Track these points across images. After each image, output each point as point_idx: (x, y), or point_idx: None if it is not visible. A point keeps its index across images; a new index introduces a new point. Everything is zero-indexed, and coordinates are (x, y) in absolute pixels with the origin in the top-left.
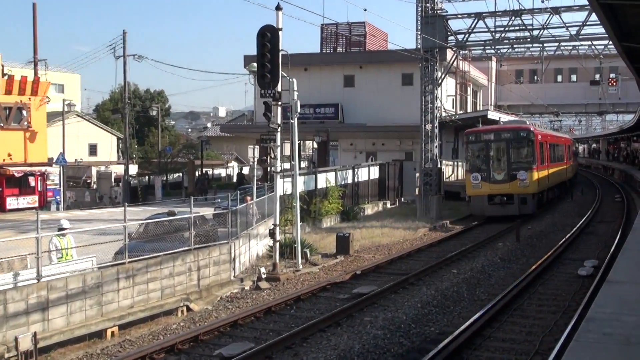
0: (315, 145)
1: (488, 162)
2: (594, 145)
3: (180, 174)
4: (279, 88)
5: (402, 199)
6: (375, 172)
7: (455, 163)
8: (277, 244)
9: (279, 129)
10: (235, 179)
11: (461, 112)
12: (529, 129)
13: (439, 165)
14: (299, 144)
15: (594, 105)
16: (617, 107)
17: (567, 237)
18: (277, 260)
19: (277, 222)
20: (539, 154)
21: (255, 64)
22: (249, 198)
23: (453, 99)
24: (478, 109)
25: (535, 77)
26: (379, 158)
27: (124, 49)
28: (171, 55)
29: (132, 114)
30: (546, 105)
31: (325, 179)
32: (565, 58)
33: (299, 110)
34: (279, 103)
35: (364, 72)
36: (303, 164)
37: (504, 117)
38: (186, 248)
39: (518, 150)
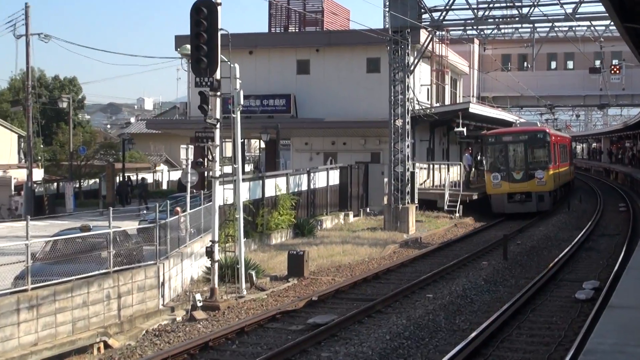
0: (263, 145)
1: (507, 163)
2: (594, 144)
3: (97, 180)
4: (217, 75)
5: (368, 210)
6: (335, 178)
7: (432, 166)
8: (216, 264)
9: (219, 125)
10: (166, 186)
11: (438, 104)
12: (545, 130)
13: (411, 169)
14: (243, 143)
15: (594, 97)
16: (620, 100)
17: (563, 254)
18: (216, 285)
19: (216, 239)
20: (553, 155)
21: (188, 46)
22: (178, 209)
23: (428, 89)
24: (458, 101)
25: (525, 64)
26: (339, 160)
27: (27, 26)
28: (86, 35)
29: (37, 106)
30: (538, 96)
31: (274, 186)
32: (560, 41)
33: (242, 102)
34: (218, 93)
35: (321, 56)
36: (248, 168)
37: (489, 111)
38: (104, 271)
39: (535, 150)
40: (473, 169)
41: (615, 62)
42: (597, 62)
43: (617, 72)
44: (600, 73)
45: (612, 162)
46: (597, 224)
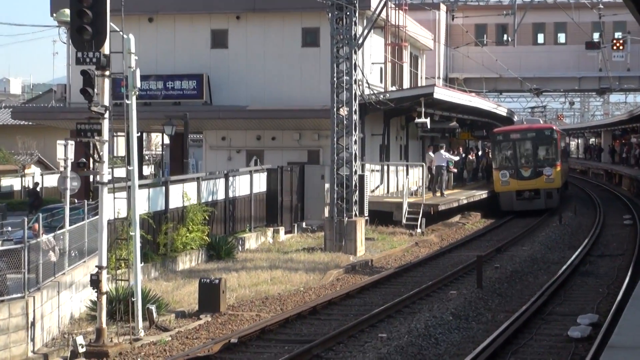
0: (167, 141)
1: (515, 160)
2: (591, 140)
3: None
4: (106, 49)
5: (304, 224)
6: (261, 183)
7: (386, 168)
8: (104, 297)
9: (108, 114)
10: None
11: (394, 88)
12: (552, 127)
13: (360, 171)
14: (140, 138)
15: (592, 80)
16: (625, 82)
17: (552, 280)
18: (104, 324)
19: (104, 263)
20: (560, 151)
21: (67, 11)
22: (36, 226)
23: (381, 69)
24: (420, 84)
25: (505, 37)
26: (267, 160)
27: None
28: None
29: None
30: (521, 78)
31: (182, 194)
32: (549, 8)
33: (139, 84)
34: (108, 73)
35: (243, 25)
36: (147, 170)
37: (459, 97)
38: None
39: (543, 147)
40: (445, 173)
41: (618, 35)
42: (596, 35)
43: (621, 47)
44: (599, 49)
45: (614, 162)
46: (596, 242)
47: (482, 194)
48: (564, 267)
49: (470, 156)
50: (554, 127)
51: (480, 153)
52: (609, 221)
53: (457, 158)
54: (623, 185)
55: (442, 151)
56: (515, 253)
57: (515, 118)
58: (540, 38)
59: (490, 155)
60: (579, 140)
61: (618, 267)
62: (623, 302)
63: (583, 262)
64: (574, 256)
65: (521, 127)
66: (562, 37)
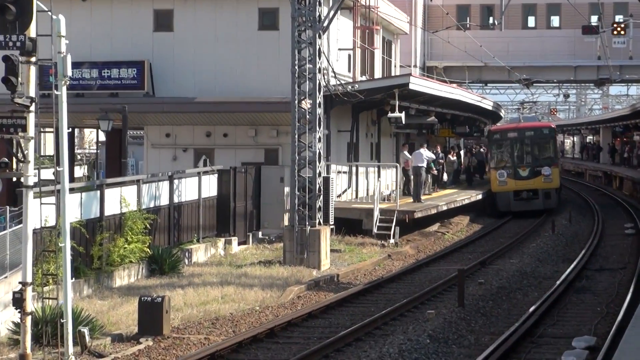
0: (103, 138)
1: (513, 159)
2: (589, 137)
3: None
4: (32, 32)
5: (261, 234)
6: (211, 187)
7: (355, 169)
8: (29, 318)
9: (34, 107)
10: None
11: (364, 78)
12: (550, 126)
13: (325, 173)
14: (72, 135)
15: (589, 69)
16: (626, 72)
17: (544, 297)
18: (29, 350)
19: (29, 279)
20: (558, 150)
21: None
22: None
23: (350, 56)
24: (394, 73)
25: (491, 20)
26: (218, 160)
27: None
28: None
29: None
30: (509, 67)
31: (120, 199)
32: None
33: (70, 72)
34: (34, 59)
35: (190, 5)
36: (80, 172)
37: (439, 89)
38: None
39: (541, 146)
40: (423, 175)
41: (619, 18)
42: (594, 19)
43: (622, 32)
44: (597, 34)
45: (614, 163)
46: (594, 254)
47: (465, 199)
48: (558, 282)
49: (450, 156)
50: (553, 126)
51: (462, 152)
52: (609, 230)
53: (438, 156)
54: (624, 189)
55: (422, 150)
56: (502, 267)
57: (503, 112)
58: (531, 21)
59: (475, 154)
60: (575, 138)
61: (619, 282)
62: (624, 323)
63: (579, 276)
64: (568, 270)
65: (519, 126)
66: (555, 21)
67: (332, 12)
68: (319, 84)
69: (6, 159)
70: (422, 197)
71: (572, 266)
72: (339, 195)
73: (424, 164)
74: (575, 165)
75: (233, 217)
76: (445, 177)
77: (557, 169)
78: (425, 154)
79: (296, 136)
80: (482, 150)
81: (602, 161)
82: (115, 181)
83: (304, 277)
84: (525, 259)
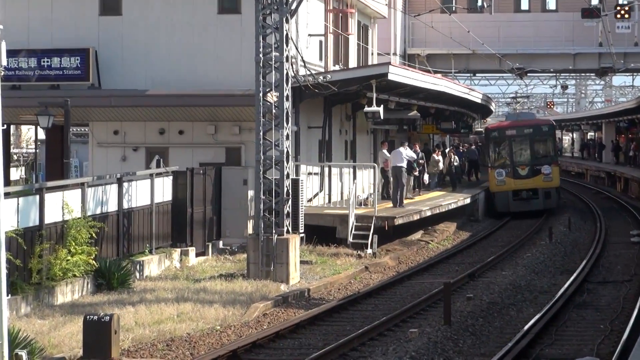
0: (42, 135)
1: (512, 158)
2: (590, 133)
3: None
4: None
5: (222, 244)
6: (165, 191)
7: (328, 170)
8: None
9: None
10: None
11: (337, 67)
12: (550, 122)
13: (294, 175)
14: (7, 132)
15: (590, 57)
16: (631, 60)
17: (541, 314)
18: None
19: None
20: (557, 148)
21: None
22: None
23: (321, 43)
24: (371, 62)
25: (480, 1)
26: (173, 161)
27: None
28: None
29: None
30: (500, 55)
31: (62, 205)
32: None
33: (4, 61)
34: None
35: None
36: (16, 174)
37: (422, 79)
38: None
39: (541, 144)
40: (404, 176)
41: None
42: (595, 1)
43: (626, 16)
44: (599, 18)
45: (619, 162)
46: (596, 264)
47: (451, 203)
48: (556, 297)
49: (435, 155)
50: (552, 122)
51: (447, 151)
52: (613, 238)
53: (418, 155)
54: (630, 192)
55: (402, 148)
56: (494, 279)
57: (493, 106)
58: (524, 4)
59: (466, 152)
60: (574, 135)
61: (624, 296)
62: (630, 342)
63: (579, 290)
64: (567, 283)
65: (517, 123)
66: (551, 3)
67: None
68: (287, 74)
69: None
70: (404, 201)
71: (571, 278)
72: (310, 200)
73: (404, 164)
74: (575, 165)
75: (190, 225)
76: (426, 178)
77: (557, 168)
78: (406, 152)
79: (261, 133)
80: (474, 147)
81: (605, 160)
82: (56, 184)
83: (270, 292)
84: (519, 271)
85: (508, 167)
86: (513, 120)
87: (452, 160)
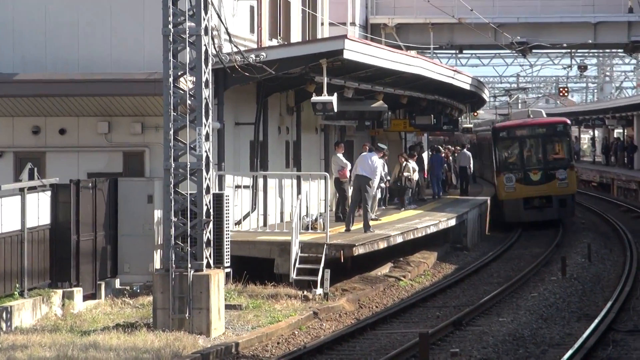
0: None
1: (522, 162)
2: (617, 131)
3: None
4: None
5: (119, 282)
6: (42, 210)
7: (263, 181)
8: None
9: None
10: None
11: (275, 42)
12: (565, 122)
13: (217, 189)
14: None
15: (616, 27)
16: None
17: None
18: None
19: None
20: (574, 150)
21: None
22: None
23: (253, 9)
24: (321, 35)
25: None
26: (51, 171)
27: None
28: None
29: None
30: (496, 26)
31: None
32: None
33: None
34: None
35: None
36: None
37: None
38: None
39: (555, 145)
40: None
41: None
42: None
43: None
44: None
45: None
46: (625, 307)
47: (431, 226)
48: (570, 352)
49: (408, 161)
50: (568, 122)
51: (431, 154)
52: None
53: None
54: None
55: (368, 152)
56: (487, 329)
57: (487, 93)
58: None
59: (457, 158)
60: (596, 132)
61: None
62: None
63: (602, 342)
64: (587, 333)
65: (528, 122)
66: None
67: None
68: (206, 51)
69: None
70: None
71: (592, 326)
72: (239, 223)
73: (371, 174)
74: (596, 173)
75: (76, 258)
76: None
77: (573, 172)
78: (375, 159)
79: (171, 132)
80: (465, 151)
81: (638, 167)
82: None
83: (185, 349)
84: (521, 317)
85: (518, 172)
86: (519, 117)
87: (402, 169)
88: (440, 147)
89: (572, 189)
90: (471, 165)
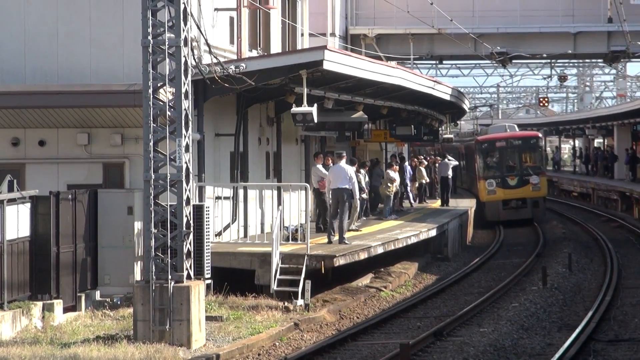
0: None
1: (502, 169)
2: (597, 140)
3: None
4: None
5: (99, 294)
6: (21, 222)
7: (244, 193)
8: None
9: None
10: None
11: (255, 53)
12: (538, 135)
13: (197, 200)
14: None
15: (596, 38)
16: None
17: None
18: None
19: None
20: (544, 159)
21: None
22: None
23: (233, 20)
24: (301, 46)
25: None
26: (31, 182)
27: None
28: None
29: None
30: (476, 36)
31: None
32: None
33: None
34: None
35: None
36: None
37: (368, 69)
38: None
39: (529, 155)
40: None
41: None
42: None
43: None
44: None
45: (635, 179)
46: (605, 317)
47: (412, 236)
48: None
49: (390, 170)
50: (540, 135)
51: (413, 164)
52: (629, 281)
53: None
54: None
55: (345, 163)
56: (468, 339)
57: (467, 103)
58: None
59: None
60: (576, 142)
61: None
62: None
63: (583, 352)
64: (567, 342)
65: (506, 135)
66: None
67: None
68: (186, 62)
69: None
70: (345, 235)
71: (572, 336)
72: (219, 234)
73: (351, 185)
74: (577, 183)
75: (56, 270)
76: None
77: (544, 178)
78: (351, 172)
79: (151, 143)
80: (447, 161)
81: (618, 176)
82: None
83: None
84: (502, 327)
85: (498, 178)
86: (496, 131)
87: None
88: (404, 157)
89: (544, 192)
90: (450, 174)
